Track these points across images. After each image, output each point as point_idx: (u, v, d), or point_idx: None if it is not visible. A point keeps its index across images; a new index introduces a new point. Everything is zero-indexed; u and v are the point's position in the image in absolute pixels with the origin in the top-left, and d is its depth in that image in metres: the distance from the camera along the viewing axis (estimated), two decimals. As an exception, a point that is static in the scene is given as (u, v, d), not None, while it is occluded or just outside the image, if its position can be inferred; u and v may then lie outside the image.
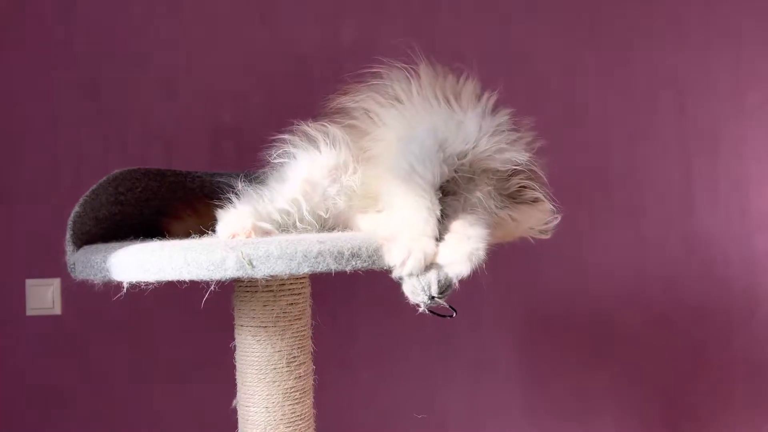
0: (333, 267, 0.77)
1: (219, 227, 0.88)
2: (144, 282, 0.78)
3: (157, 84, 1.65)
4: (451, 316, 0.86)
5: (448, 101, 0.99)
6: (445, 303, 0.81)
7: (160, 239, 0.98)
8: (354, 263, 0.78)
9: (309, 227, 0.96)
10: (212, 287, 0.77)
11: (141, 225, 1.12)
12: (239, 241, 0.79)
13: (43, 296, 1.63)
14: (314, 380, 1.03)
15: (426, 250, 0.80)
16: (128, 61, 1.65)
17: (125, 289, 0.79)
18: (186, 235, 1.06)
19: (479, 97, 1.01)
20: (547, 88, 1.71)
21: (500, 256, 1.62)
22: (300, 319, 0.98)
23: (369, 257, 0.79)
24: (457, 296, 1.61)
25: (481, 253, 0.84)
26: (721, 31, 1.73)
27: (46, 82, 1.64)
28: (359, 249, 0.78)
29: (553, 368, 1.72)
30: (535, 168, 0.99)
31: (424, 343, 1.70)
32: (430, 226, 0.83)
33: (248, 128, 1.66)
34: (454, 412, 1.71)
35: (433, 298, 0.79)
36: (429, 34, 1.71)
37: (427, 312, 0.81)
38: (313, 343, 1.02)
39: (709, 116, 1.72)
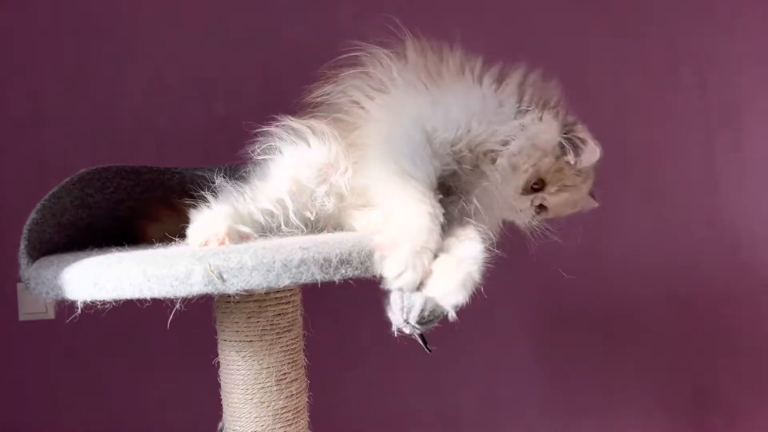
0: (319, 277, 0.66)
1: (190, 232, 0.77)
2: (100, 301, 0.67)
3: (147, 76, 1.59)
4: (429, 351, 0.82)
5: (433, 82, 0.90)
6: (417, 336, 0.74)
7: (129, 246, 0.88)
8: (344, 271, 0.66)
9: (295, 231, 0.85)
10: (177, 306, 0.65)
11: (113, 229, 1.01)
12: (207, 250, 0.68)
13: (36, 300, 1.55)
14: (309, 398, 0.92)
15: (426, 267, 0.71)
16: (116, 52, 1.59)
17: (79, 310, 0.68)
18: (163, 238, 0.97)
19: (464, 69, 0.92)
20: (559, 65, 1.62)
21: (515, 245, 1.62)
22: (290, 330, 0.88)
23: (361, 264, 0.67)
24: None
25: (476, 277, 0.78)
26: (743, 2, 1.65)
27: (31, 77, 1.58)
28: (349, 255, 0.67)
29: (573, 361, 1.66)
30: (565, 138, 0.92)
31: (437, 339, 1.62)
32: (434, 238, 0.74)
33: (242, 120, 1.60)
34: (469, 409, 1.66)
35: (407, 323, 0.70)
36: (432, 18, 1.61)
37: (396, 334, 0.73)
38: (306, 356, 0.92)
39: (733, 92, 1.66)
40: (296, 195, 0.87)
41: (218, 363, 0.90)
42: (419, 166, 0.78)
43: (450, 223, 0.81)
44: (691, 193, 1.66)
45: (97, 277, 0.66)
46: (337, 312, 1.58)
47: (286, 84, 1.58)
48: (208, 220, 0.77)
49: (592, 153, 0.96)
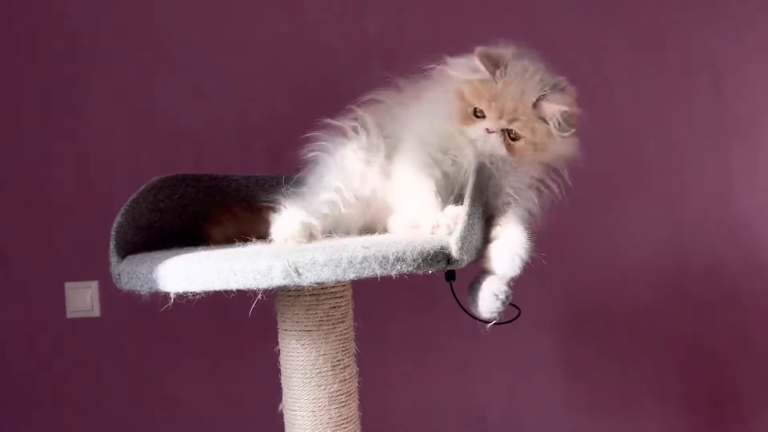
0: (378, 272, 0.76)
1: (273, 231, 0.90)
2: (191, 292, 0.78)
3: (185, 85, 1.66)
4: (518, 316, 1.01)
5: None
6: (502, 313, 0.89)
7: (202, 246, 0.99)
8: (399, 267, 0.77)
9: (354, 211, 0.99)
10: (260, 296, 0.76)
11: (180, 232, 1.12)
12: (285, 248, 0.79)
13: (83, 299, 1.66)
14: (359, 382, 1.03)
15: (449, 214, 0.89)
16: (155, 62, 1.66)
17: (172, 300, 0.80)
18: (226, 240, 1.07)
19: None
20: (577, 73, 1.65)
21: (537, 245, 1.65)
22: (343, 322, 0.98)
23: (414, 261, 0.78)
24: None
25: (526, 252, 0.95)
26: (759, 7, 1.68)
27: (76, 86, 1.65)
28: (404, 253, 0.77)
29: (593, 360, 1.70)
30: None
31: (462, 337, 1.69)
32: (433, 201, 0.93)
33: (277, 127, 1.66)
34: (494, 405, 1.70)
35: (502, 303, 0.88)
36: (454, 20, 1.69)
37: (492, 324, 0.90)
38: (356, 345, 1.02)
39: (747, 98, 1.68)
40: (348, 180, 1.00)
41: (279, 351, 1.01)
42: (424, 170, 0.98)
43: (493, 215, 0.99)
44: (707, 197, 1.68)
45: (189, 272, 0.77)
46: (372, 308, 1.66)
47: (319, 91, 1.67)
48: (286, 219, 0.90)
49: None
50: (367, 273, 0.76)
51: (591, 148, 1.60)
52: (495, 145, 0.98)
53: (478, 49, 0.99)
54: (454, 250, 0.81)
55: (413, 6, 1.69)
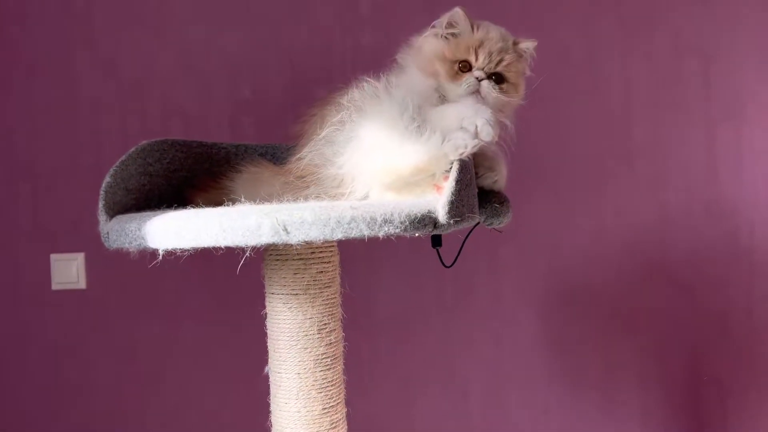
0: (366, 232, 0.77)
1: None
2: (180, 249, 0.79)
3: (176, 58, 1.65)
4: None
5: None
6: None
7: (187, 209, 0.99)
8: (386, 229, 0.78)
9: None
10: (247, 253, 0.77)
11: (169, 196, 1.13)
12: (273, 207, 0.80)
13: (68, 271, 1.66)
14: (344, 347, 1.04)
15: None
16: (146, 35, 1.65)
17: (161, 257, 0.80)
18: (209, 206, 1.07)
19: None
20: (569, 57, 1.69)
21: (522, 223, 1.67)
22: (330, 286, 0.99)
23: (401, 223, 0.79)
24: (479, 264, 1.70)
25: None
26: None
27: (66, 58, 1.64)
28: (391, 215, 0.78)
29: (575, 337, 1.72)
30: None
31: (445, 312, 1.71)
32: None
33: (267, 101, 1.66)
34: (476, 380, 1.72)
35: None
36: (448, 3, 1.68)
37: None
38: (342, 310, 1.03)
39: (735, 84, 1.69)
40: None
41: (266, 314, 1.02)
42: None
43: None
44: (692, 181, 1.69)
45: (178, 228, 0.78)
46: (357, 280, 1.66)
47: (310, 67, 1.66)
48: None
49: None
50: (354, 233, 0.76)
51: (581, 130, 1.67)
52: (487, 89, 1.03)
53: (457, 6, 1.06)
54: (441, 215, 0.82)
55: None
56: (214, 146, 1.23)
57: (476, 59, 1.03)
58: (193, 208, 1.09)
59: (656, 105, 1.69)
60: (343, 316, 1.03)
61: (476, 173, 1.02)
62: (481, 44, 1.03)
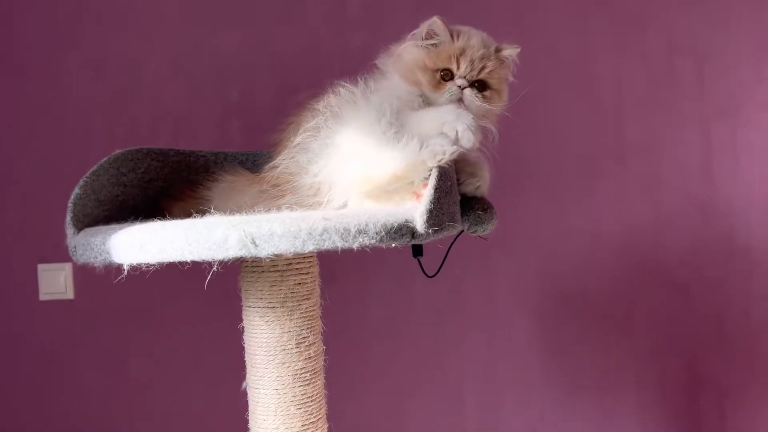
0: (339, 244, 0.74)
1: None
2: (145, 264, 0.75)
3: (165, 62, 1.63)
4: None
5: None
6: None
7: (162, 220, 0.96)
8: (361, 240, 0.74)
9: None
10: (215, 267, 0.74)
11: (144, 206, 1.09)
12: (242, 218, 0.76)
13: (56, 281, 1.63)
14: (325, 360, 1.01)
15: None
16: (135, 38, 1.63)
17: (125, 272, 0.77)
18: (187, 216, 1.05)
19: None
20: (559, 57, 1.67)
21: (515, 225, 1.66)
22: (308, 298, 0.96)
23: (376, 234, 0.75)
24: (471, 267, 1.67)
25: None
26: None
27: (53, 62, 1.62)
28: (366, 225, 0.75)
29: (570, 340, 1.69)
30: None
31: (437, 316, 1.68)
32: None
33: (256, 105, 1.65)
34: (470, 385, 1.70)
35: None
36: (438, 3, 1.66)
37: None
38: (323, 322, 1.00)
39: (730, 83, 1.67)
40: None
41: (243, 328, 0.98)
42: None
43: None
44: (687, 181, 1.67)
45: (143, 242, 0.74)
46: (346, 286, 1.64)
47: (299, 71, 1.64)
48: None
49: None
50: (327, 245, 0.73)
51: (572, 129, 1.65)
52: (470, 97, 1.01)
53: (435, 16, 1.03)
54: (419, 224, 0.79)
55: None
56: (192, 154, 1.20)
57: (458, 67, 1.02)
58: (169, 218, 1.07)
59: (650, 104, 1.67)
60: (323, 329, 1.00)
61: (458, 180, 0.99)
62: (462, 52, 1.02)
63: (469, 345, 1.69)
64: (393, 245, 0.78)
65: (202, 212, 1.06)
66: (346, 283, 1.63)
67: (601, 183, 1.68)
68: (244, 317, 0.98)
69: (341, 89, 1.01)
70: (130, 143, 1.56)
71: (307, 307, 0.95)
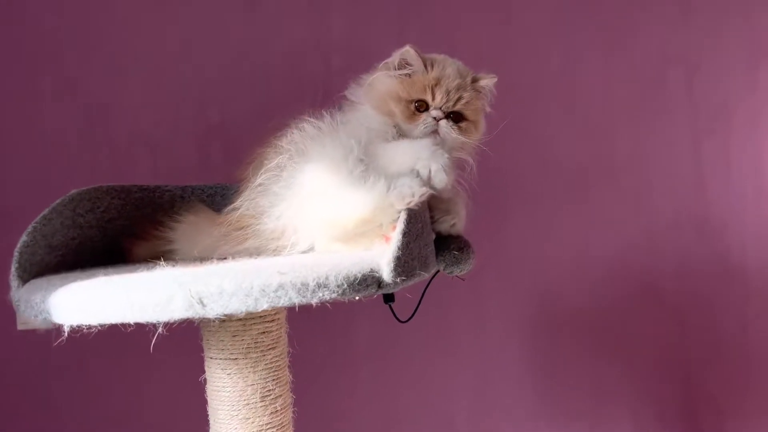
0: (296, 300, 0.68)
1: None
2: (85, 325, 0.69)
3: (142, 86, 1.58)
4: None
5: None
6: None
7: (118, 266, 0.90)
8: (321, 294, 0.68)
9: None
10: (159, 330, 0.68)
11: (104, 248, 1.03)
12: (188, 275, 0.70)
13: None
14: (294, 412, 0.94)
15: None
16: (112, 62, 1.57)
17: (66, 334, 0.70)
18: (152, 257, 0.99)
19: None
20: (548, 68, 1.63)
21: (503, 247, 1.61)
22: (274, 348, 0.90)
23: (338, 287, 0.69)
24: (459, 289, 1.59)
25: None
26: (731, 0, 1.63)
27: (24, 87, 1.56)
28: (326, 278, 0.69)
29: (563, 365, 1.65)
30: None
31: (426, 345, 1.63)
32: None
33: (237, 128, 1.60)
34: (461, 413, 1.65)
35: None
36: (423, 20, 1.63)
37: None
38: (290, 372, 0.94)
39: (721, 94, 1.63)
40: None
41: (205, 380, 0.92)
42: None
43: None
44: (679, 197, 1.63)
45: (82, 303, 0.68)
46: (323, 328, 1.58)
47: (280, 93, 1.60)
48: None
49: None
50: (283, 302, 0.67)
51: (560, 144, 1.61)
52: (446, 129, 0.97)
53: (407, 45, 0.99)
54: (386, 273, 0.73)
55: (380, 1, 1.62)
56: (157, 189, 1.14)
57: (433, 98, 0.98)
58: (130, 260, 1.01)
59: (640, 116, 1.64)
60: (291, 379, 0.94)
61: (432, 217, 0.94)
62: (437, 82, 0.98)
63: (458, 372, 1.64)
64: (357, 298, 0.72)
65: (166, 254, 1.00)
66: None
67: (591, 199, 1.63)
68: (206, 369, 0.91)
69: (306, 124, 0.95)
70: (107, 169, 1.56)
71: (272, 358, 0.89)
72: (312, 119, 0.97)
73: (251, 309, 0.66)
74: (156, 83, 1.58)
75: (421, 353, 1.63)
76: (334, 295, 0.70)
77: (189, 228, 0.99)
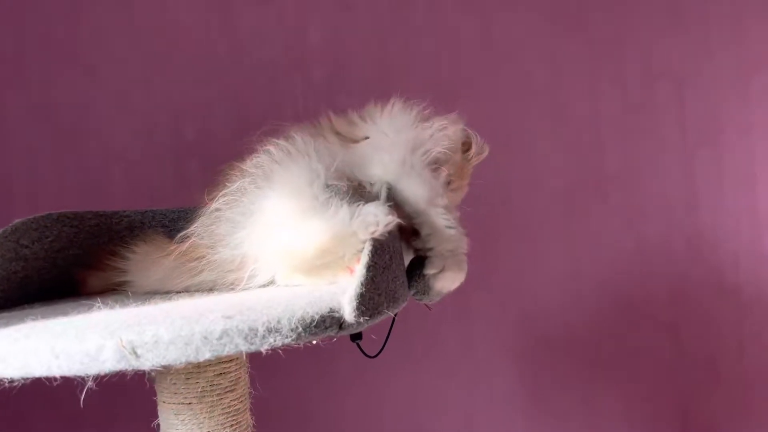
0: (244, 348, 0.60)
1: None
2: (7, 378, 0.62)
3: (114, 102, 1.55)
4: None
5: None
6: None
7: (67, 299, 0.83)
8: (272, 340, 0.61)
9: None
10: (89, 384, 0.60)
11: (54, 281, 0.96)
12: (121, 322, 0.63)
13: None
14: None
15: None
16: (82, 77, 1.54)
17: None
18: (107, 289, 0.93)
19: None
20: (533, 83, 1.60)
21: (491, 266, 1.56)
22: (233, 390, 0.82)
23: (292, 330, 0.62)
24: (447, 310, 1.55)
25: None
26: (720, 11, 1.60)
27: None
28: (278, 322, 0.61)
29: (554, 387, 1.61)
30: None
31: (413, 364, 1.59)
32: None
33: (213, 143, 1.56)
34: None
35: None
36: (402, 32, 1.59)
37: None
38: (252, 416, 0.86)
39: (711, 106, 1.61)
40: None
41: (158, 426, 0.85)
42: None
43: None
44: (671, 213, 1.60)
45: (2, 354, 0.61)
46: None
47: (256, 107, 1.55)
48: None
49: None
50: (228, 350, 0.60)
51: (547, 160, 1.59)
52: None
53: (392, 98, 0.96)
54: (348, 313, 0.65)
55: (357, 10, 1.58)
56: (115, 216, 1.06)
57: None
58: (84, 293, 0.94)
59: (628, 132, 1.61)
60: (252, 423, 0.86)
61: (409, 239, 0.87)
62: None
63: (447, 394, 1.59)
64: (314, 342, 0.65)
65: (120, 286, 0.94)
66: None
67: (580, 218, 1.60)
68: (159, 413, 0.84)
69: (273, 147, 0.88)
70: (80, 190, 1.52)
71: (230, 401, 0.82)
72: (281, 141, 0.90)
73: (192, 359, 0.59)
74: (128, 99, 1.54)
75: (406, 375, 1.58)
76: (287, 340, 0.62)
77: (142, 258, 0.92)
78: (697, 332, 1.60)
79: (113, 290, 0.92)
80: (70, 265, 0.99)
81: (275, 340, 0.62)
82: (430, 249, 0.88)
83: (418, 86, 1.56)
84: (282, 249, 0.77)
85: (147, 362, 0.58)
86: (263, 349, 0.61)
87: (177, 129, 1.54)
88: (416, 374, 1.59)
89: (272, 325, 0.61)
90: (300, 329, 0.63)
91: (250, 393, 0.87)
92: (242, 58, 1.56)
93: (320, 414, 1.55)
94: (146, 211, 1.10)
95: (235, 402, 0.82)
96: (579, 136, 1.60)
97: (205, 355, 0.59)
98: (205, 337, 0.59)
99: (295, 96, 1.58)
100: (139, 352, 0.58)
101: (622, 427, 1.61)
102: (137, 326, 0.60)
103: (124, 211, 1.08)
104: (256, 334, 0.61)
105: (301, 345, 0.64)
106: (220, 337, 0.60)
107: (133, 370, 0.59)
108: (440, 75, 1.59)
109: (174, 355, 0.59)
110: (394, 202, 0.88)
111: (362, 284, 0.67)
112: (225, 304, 0.66)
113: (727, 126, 1.60)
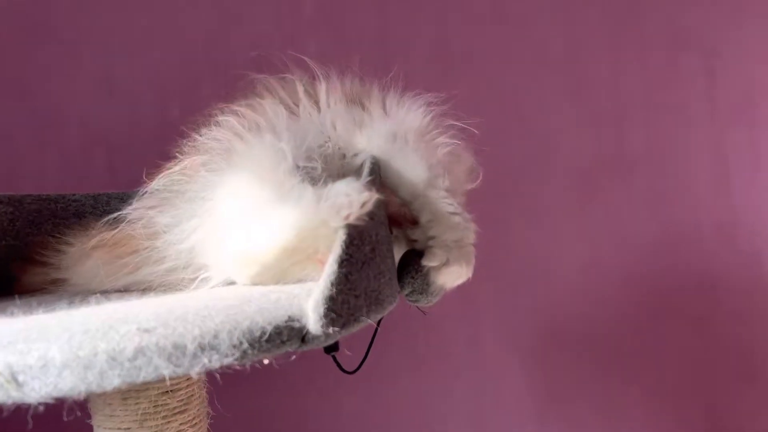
0: (167, 371, 0.45)
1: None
2: None
3: (96, 80, 1.50)
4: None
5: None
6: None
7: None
8: (207, 360, 0.46)
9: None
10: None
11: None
12: (3, 339, 0.48)
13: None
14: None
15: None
16: (60, 59, 1.49)
17: None
18: (42, 287, 0.79)
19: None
20: (548, 57, 1.55)
21: (501, 256, 1.48)
22: (183, 411, 0.67)
23: (235, 347, 0.46)
24: (453, 306, 1.45)
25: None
26: None
27: None
28: (215, 336, 0.46)
29: (569, 385, 1.57)
30: None
31: (418, 363, 1.55)
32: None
33: (200, 124, 1.48)
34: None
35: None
36: (409, 3, 1.53)
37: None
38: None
39: (744, 79, 1.53)
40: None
41: (95, 453, 0.70)
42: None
43: None
44: (700, 198, 1.53)
45: None
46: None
47: (242, 84, 1.46)
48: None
49: None
50: (145, 375, 0.45)
51: (565, 141, 1.51)
52: None
53: None
54: (313, 322, 0.50)
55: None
56: (61, 200, 0.92)
57: None
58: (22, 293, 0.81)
59: (653, 108, 1.53)
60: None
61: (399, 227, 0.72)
62: None
63: (454, 395, 1.53)
64: (267, 361, 0.50)
65: (56, 284, 0.80)
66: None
67: (600, 202, 1.53)
68: (95, 440, 0.70)
69: (233, 117, 0.73)
70: (62, 171, 1.45)
71: (180, 425, 0.67)
72: (247, 110, 0.75)
73: (94, 388, 0.44)
74: (110, 77, 1.50)
75: (411, 374, 1.54)
76: (228, 360, 0.47)
77: (77, 252, 0.77)
78: (729, 328, 1.53)
79: (45, 289, 0.78)
80: (6, 258, 0.85)
81: (210, 361, 0.46)
82: (432, 238, 0.73)
83: (422, 59, 1.51)
84: (233, 253, 0.62)
85: (33, 392, 0.44)
86: (194, 372, 0.46)
87: (162, 110, 1.49)
88: (418, 376, 1.54)
89: (206, 340, 0.46)
90: (245, 345, 0.47)
91: (208, 414, 0.72)
92: (231, 30, 1.50)
93: (316, 420, 1.48)
94: (99, 195, 0.96)
95: (187, 425, 0.67)
96: (598, 112, 1.53)
97: (113, 382, 0.44)
98: (113, 358, 0.44)
99: (288, 71, 1.50)
100: (20, 379, 0.43)
101: (643, 429, 1.56)
102: (21, 343, 0.45)
103: (73, 195, 0.94)
104: (183, 353, 0.46)
105: (247, 366, 0.48)
106: (134, 358, 0.44)
107: (15, 402, 0.44)
108: (447, 46, 1.52)
109: (69, 383, 0.44)
110: (387, 185, 0.73)
111: (332, 284, 0.52)
112: (147, 312, 0.51)
113: (761, 101, 1.53)
